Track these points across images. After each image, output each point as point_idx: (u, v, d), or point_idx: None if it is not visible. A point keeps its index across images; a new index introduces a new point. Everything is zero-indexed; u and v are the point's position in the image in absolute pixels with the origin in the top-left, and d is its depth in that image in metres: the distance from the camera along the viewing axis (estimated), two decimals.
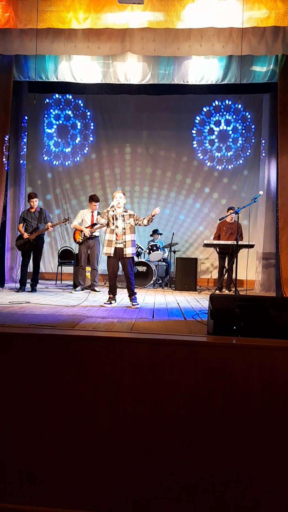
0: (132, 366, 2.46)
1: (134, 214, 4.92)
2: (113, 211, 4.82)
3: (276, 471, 2.35)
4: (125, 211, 4.89)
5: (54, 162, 8.48)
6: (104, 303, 4.80)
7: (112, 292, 4.88)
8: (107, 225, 4.85)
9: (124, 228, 4.80)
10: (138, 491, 2.42)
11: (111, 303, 4.79)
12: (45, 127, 8.45)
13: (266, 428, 2.35)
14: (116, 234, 4.78)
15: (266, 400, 2.35)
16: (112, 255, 4.78)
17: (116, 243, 4.77)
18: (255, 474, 2.36)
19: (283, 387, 2.34)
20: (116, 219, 4.81)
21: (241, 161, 8.20)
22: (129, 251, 4.79)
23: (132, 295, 4.85)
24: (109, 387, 2.48)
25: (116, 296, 4.98)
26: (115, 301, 4.92)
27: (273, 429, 2.35)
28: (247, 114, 8.16)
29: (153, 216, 4.83)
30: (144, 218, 4.88)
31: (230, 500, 2.37)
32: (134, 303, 4.78)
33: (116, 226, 4.79)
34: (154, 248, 7.52)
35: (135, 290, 4.99)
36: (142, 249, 7.51)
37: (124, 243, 4.79)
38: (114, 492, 2.44)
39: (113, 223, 4.81)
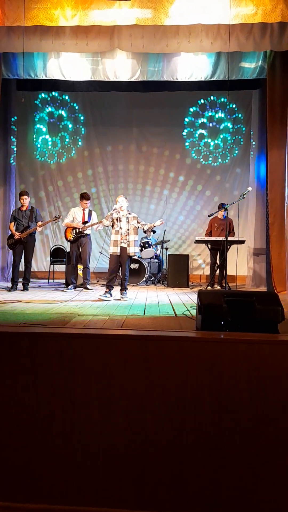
0: (122, 363, 2.48)
1: (136, 217, 5.43)
2: (117, 213, 5.26)
3: (264, 463, 2.40)
4: (129, 213, 5.37)
5: (46, 160, 8.44)
6: (100, 296, 5.20)
7: (110, 286, 5.31)
8: (112, 226, 5.33)
9: (128, 229, 5.28)
10: (132, 485, 2.46)
11: (107, 296, 5.19)
12: (35, 125, 8.41)
13: (254, 421, 2.39)
14: (121, 235, 5.25)
15: (254, 394, 2.39)
16: (118, 253, 5.26)
17: (121, 242, 5.25)
18: (245, 467, 2.40)
19: (271, 380, 2.38)
20: (120, 221, 5.28)
21: (231, 157, 8.23)
22: (132, 250, 5.30)
23: (123, 289, 5.32)
24: (100, 384, 2.50)
25: (112, 291, 5.32)
26: (111, 295, 5.26)
27: (262, 422, 2.39)
28: (237, 110, 8.19)
29: (155, 227, 5.53)
30: (145, 225, 5.42)
31: (221, 492, 2.41)
32: (123, 297, 5.24)
33: (120, 228, 5.26)
34: (146, 245, 7.54)
35: (127, 286, 5.46)
36: None
37: (128, 242, 5.28)
38: (107, 488, 2.47)
39: (117, 225, 5.27)
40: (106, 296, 5.16)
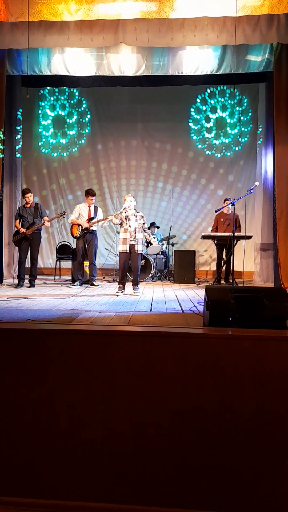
0: (128, 359, 2.47)
1: (144, 217, 5.62)
2: (125, 212, 5.44)
3: (267, 462, 2.37)
4: (137, 212, 5.54)
5: (51, 157, 8.43)
6: (116, 292, 5.39)
7: (122, 283, 5.51)
8: (121, 224, 5.51)
9: (136, 227, 5.46)
10: (133, 482, 2.45)
11: (121, 292, 5.43)
12: (40, 122, 8.41)
13: (259, 419, 2.36)
14: (130, 233, 5.42)
15: (259, 391, 2.36)
16: (127, 251, 5.45)
17: (130, 240, 5.45)
18: (247, 466, 2.38)
19: (277, 377, 2.35)
20: (129, 219, 5.46)
21: (237, 151, 8.15)
22: (139, 248, 5.50)
23: (135, 284, 5.52)
24: (105, 380, 2.49)
25: (124, 287, 5.54)
26: (124, 290, 5.50)
27: (266, 420, 2.36)
28: (243, 104, 8.10)
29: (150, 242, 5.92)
30: (150, 236, 5.75)
31: (221, 491, 2.39)
32: (135, 291, 5.42)
33: (129, 226, 5.43)
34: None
35: (139, 282, 5.68)
36: None
37: (136, 240, 5.47)
38: (109, 484, 2.47)
39: (126, 223, 5.44)
40: (122, 292, 5.41)
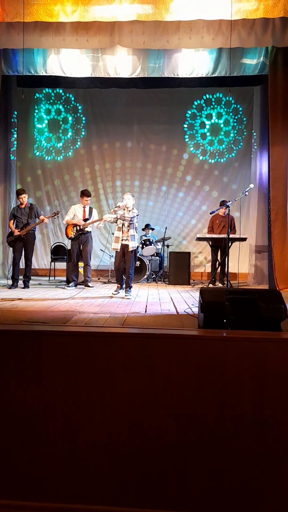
0: (124, 361, 2.46)
1: (131, 211, 5.51)
2: (122, 211, 5.40)
3: (267, 462, 2.38)
4: (128, 210, 5.48)
5: (45, 157, 8.41)
6: (113, 293, 5.39)
7: (119, 282, 5.49)
8: (116, 222, 5.48)
9: (128, 225, 5.44)
10: (134, 484, 2.44)
11: (118, 292, 5.41)
12: (36, 122, 8.38)
13: (257, 420, 2.37)
14: (122, 231, 5.41)
15: (257, 392, 2.37)
16: (119, 250, 5.42)
17: (122, 239, 5.41)
18: (247, 466, 2.39)
19: (273, 378, 2.36)
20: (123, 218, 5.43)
21: (233, 154, 8.19)
22: (132, 245, 5.40)
23: (127, 287, 5.35)
24: (102, 382, 2.48)
25: (122, 287, 5.52)
26: (123, 289, 5.48)
27: (264, 421, 2.37)
28: (238, 107, 8.14)
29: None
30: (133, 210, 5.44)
31: (223, 491, 2.39)
32: (127, 295, 5.23)
33: (123, 224, 5.41)
34: (147, 242, 7.52)
35: (132, 285, 5.50)
36: None
37: (128, 237, 5.42)
38: (110, 486, 2.46)
39: (120, 221, 5.43)
40: (118, 293, 5.36)
